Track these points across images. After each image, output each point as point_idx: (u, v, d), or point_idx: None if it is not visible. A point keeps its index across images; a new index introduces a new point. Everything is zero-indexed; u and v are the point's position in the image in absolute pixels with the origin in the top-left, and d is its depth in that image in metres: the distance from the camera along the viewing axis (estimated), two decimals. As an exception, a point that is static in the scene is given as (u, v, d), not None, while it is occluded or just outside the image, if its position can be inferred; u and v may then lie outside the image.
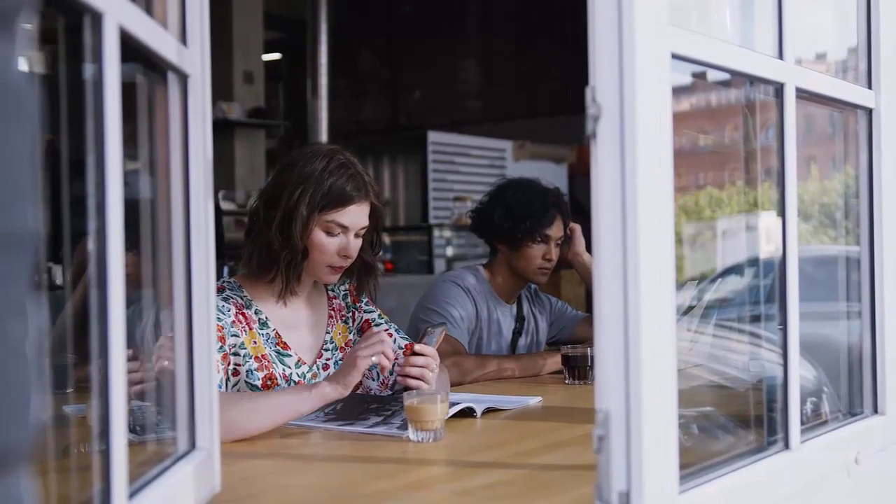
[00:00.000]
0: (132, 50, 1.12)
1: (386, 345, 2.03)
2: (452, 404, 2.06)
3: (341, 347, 2.38)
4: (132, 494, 1.10)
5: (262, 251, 2.22)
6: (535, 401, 2.38)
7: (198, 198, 1.38)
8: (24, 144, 0.61)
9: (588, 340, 2.97)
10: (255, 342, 2.20)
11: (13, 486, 0.60)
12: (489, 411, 2.21)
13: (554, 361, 2.85)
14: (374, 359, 2.00)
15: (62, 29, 1.05)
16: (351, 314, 2.44)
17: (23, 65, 0.62)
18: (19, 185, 0.60)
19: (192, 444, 1.38)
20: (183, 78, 1.36)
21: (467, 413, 2.14)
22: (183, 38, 1.36)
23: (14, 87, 0.60)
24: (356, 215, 2.23)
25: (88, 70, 1.03)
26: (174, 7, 1.36)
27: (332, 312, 2.40)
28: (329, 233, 2.21)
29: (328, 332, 2.37)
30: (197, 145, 1.38)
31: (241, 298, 2.24)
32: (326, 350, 2.35)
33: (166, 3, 1.34)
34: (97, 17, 1.00)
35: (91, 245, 1.01)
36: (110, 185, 1.02)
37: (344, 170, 2.22)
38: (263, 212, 2.23)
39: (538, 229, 3.01)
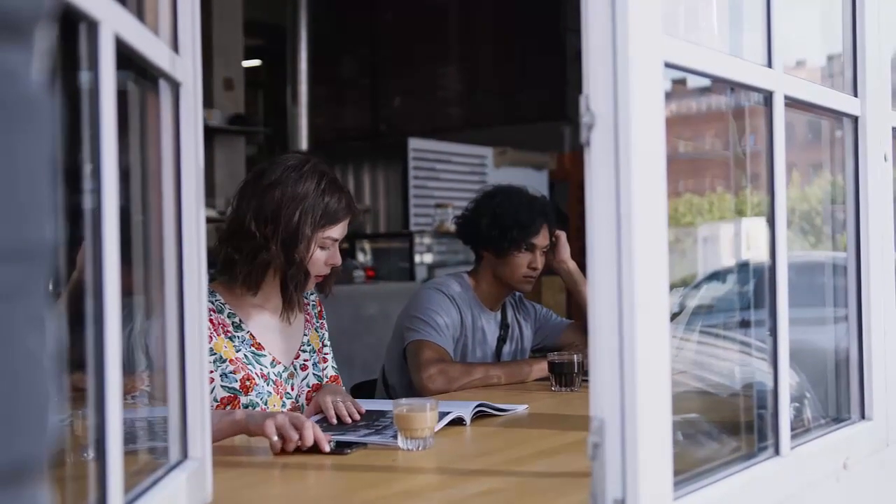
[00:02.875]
0: (124, 57, 1.12)
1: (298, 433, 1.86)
2: (442, 414, 2.06)
3: (317, 350, 2.48)
4: (127, 505, 1.09)
5: (261, 269, 2.28)
6: (522, 408, 2.38)
7: (190, 205, 1.37)
8: (42, 155, 0.61)
9: (573, 347, 2.97)
10: (225, 346, 2.25)
11: (32, 497, 0.60)
12: (479, 417, 2.21)
13: (540, 368, 2.86)
14: (274, 438, 1.84)
15: (56, 36, 1.04)
16: (318, 325, 2.54)
17: (40, 75, 0.62)
18: (38, 197, 0.60)
19: (185, 454, 1.37)
20: (175, 86, 1.35)
21: (456, 421, 2.14)
22: (175, 46, 1.35)
23: (32, 98, 0.60)
24: (344, 227, 2.35)
25: (83, 77, 1.02)
26: (165, 15, 1.35)
27: (308, 317, 2.49)
28: (323, 247, 2.31)
29: (305, 335, 2.45)
30: (189, 153, 1.38)
31: (213, 303, 2.28)
32: (304, 351, 2.43)
33: (158, 10, 1.33)
34: (93, 26, 1.00)
35: (87, 254, 1.01)
36: (106, 192, 1.01)
37: (335, 187, 2.32)
38: (258, 230, 2.24)
39: (524, 238, 3.01)
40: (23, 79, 0.60)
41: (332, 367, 2.53)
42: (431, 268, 7.42)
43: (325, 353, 2.53)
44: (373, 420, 2.16)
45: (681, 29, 1.55)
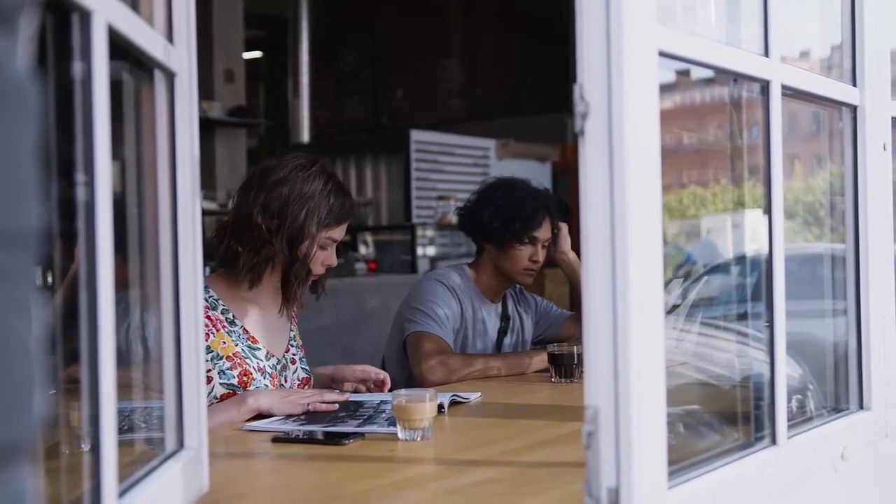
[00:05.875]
0: (118, 48, 1.12)
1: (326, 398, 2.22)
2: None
3: (301, 346, 2.53)
4: (121, 494, 1.09)
5: (263, 263, 2.31)
6: (475, 396, 2.41)
7: (185, 197, 1.37)
8: (28, 142, 0.61)
9: (573, 339, 2.97)
10: (224, 342, 2.29)
11: (17, 480, 0.60)
12: (480, 408, 2.23)
13: (540, 360, 2.86)
14: (309, 407, 2.17)
15: (49, 26, 1.04)
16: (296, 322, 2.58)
17: (25, 61, 0.62)
18: (24, 182, 0.60)
19: (181, 444, 1.37)
20: (170, 76, 1.35)
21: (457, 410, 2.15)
22: (169, 37, 1.35)
23: (18, 85, 0.61)
24: (344, 230, 2.41)
25: (76, 68, 1.02)
26: (160, 5, 1.35)
27: (293, 315, 2.53)
28: (323, 247, 2.35)
29: (292, 330, 2.50)
30: (184, 144, 1.38)
31: (206, 300, 2.29)
32: (292, 346, 2.48)
33: (152, 1, 1.33)
34: (86, 15, 1.00)
35: (80, 246, 1.01)
36: (99, 184, 1.01)
37: (340, 190, 2.37)
38: (264, 224, 2.28)
39: (526, 231, 3.00)
40: (6, 66, 0.60)
41: (304, 368, 2.53)
42: (433, 260, 7.43)
43: (293, 358, 2.55)
44: (354, 411, 2.16)
45: (678, 19, 1.54)
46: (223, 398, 2.23)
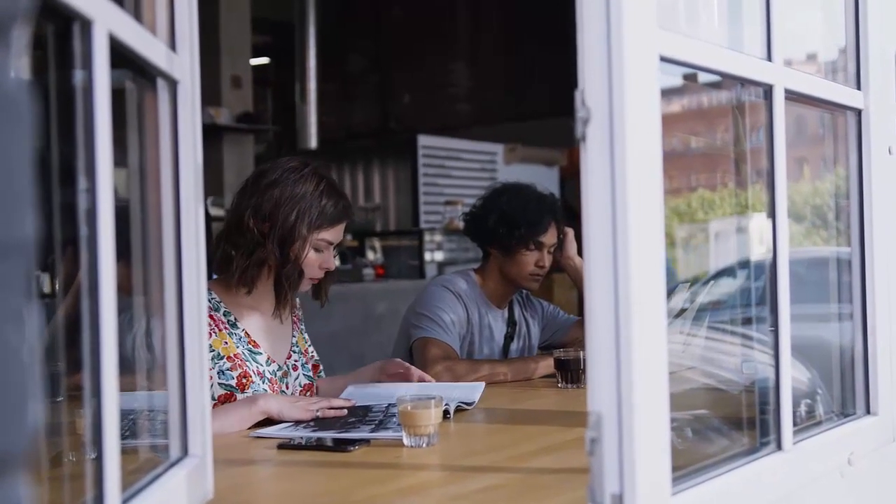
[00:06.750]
0: (121, 56, 1.12)
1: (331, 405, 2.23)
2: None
3: (304, 352, 2.52)
4: (125, 501, 1.09)
5: (256, 266, 2.31)
6: (479, 391, 2.41)
7: (188, 204, 1.38)
8: (22, 151, 0.61)
9: (580, 344, 2.97)
10: (225, 343, 2.30)
11: (12, 490, 0.60)
12: (481, 412, 2.22)
13: (546, 365, 2.86)
14: (318, 413, 2.16)
15: (51, 35, 1.05)
16: (302, 329, 2.57)
17: (19, 72, 0.62)
18: (18, 192, 0.60)
19: (185, 451, 1.37)
20: (172, 84, 1.35)
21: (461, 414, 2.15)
22: (172, 44, 1.36)
23: (11, 95, 0.61)
24: (341, 232, 2.40)
25: (78, 76, 1.02)
26: (163, 13, 1.35)
27: (295, 320, 2.53)
28: (317, 249, 2.35)
29: (294, 337, 2.50)
30: (187, 151, 1.38)
31: (209, 301, 2.30)
32: (294, 352, 2.48)
33: (155, 8, 1.34)
34: (87, 24, 1.00)
35: (82, 253, 1.01)
36: (101, 192, 1.01)
37: (333, 191, 2.36)
38: (256, 227, 2.29)
39: (532, 236, 3.00)
40: (2, 76, 0.60)
41: (306, 374, 2.53)
42: (441, 265, 7.42)
43: (312, 354, 2.56)
44: (363, 416, 2.16)
45: (680, 23, 1.54)
46: (221, 399, 2.23)
